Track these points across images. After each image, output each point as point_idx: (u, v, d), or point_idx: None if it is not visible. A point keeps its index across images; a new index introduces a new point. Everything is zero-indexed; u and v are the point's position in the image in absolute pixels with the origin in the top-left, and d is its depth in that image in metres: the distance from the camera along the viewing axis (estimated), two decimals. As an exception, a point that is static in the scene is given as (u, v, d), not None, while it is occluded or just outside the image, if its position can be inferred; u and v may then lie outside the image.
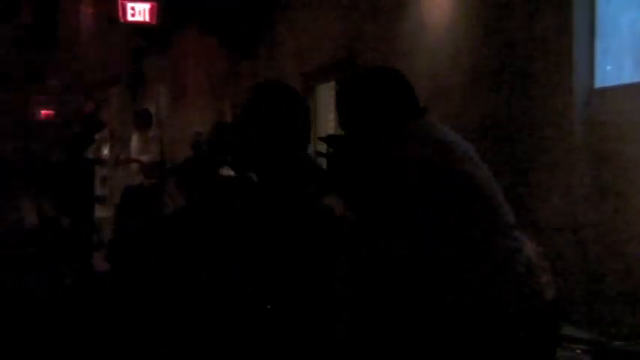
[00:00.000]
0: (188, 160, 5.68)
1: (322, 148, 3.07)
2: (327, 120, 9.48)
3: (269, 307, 2.49)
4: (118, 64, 17.92)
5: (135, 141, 12.41)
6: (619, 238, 4.84)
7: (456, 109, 6.45)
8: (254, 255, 2.53)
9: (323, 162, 3.06)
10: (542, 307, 2.81)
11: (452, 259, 2.74)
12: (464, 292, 2.73)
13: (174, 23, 13.31)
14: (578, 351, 3.90)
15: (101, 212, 12.08)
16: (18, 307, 4.99)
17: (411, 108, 2.94)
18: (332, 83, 9.24)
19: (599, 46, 5.26)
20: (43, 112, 22.10)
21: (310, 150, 2.77)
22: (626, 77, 5.10)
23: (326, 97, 9.59)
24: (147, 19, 12.82)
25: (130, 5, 12.68)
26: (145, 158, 11.76)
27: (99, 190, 12.79)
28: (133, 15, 12.73)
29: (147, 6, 12.73)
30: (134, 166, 12.12)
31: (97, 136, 11.85)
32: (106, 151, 19.23)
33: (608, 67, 5.24)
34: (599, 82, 5.24)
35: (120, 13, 12.74)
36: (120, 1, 12.70)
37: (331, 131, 8.68)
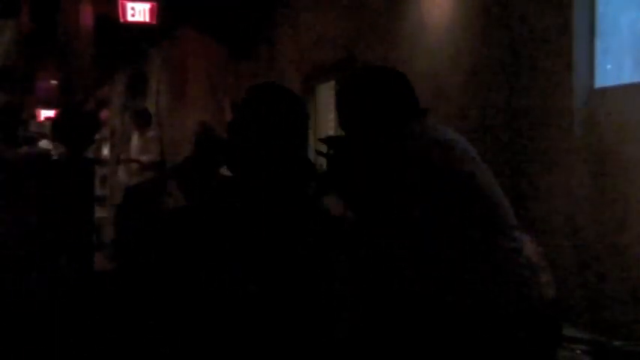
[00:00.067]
0: (188, 160, 5.67)
1: (322, 148, 3.07)
2: (327, 120, 9.48)
3: (267, 302, 2.49)
4: (117, 64, 17.92)
5: (135, 141, 12.42)
6: (619, 238, 4.84)
7: (455, 109, 6.45)
8: (254, 255, 2.53)
9: (323, 162, 3.06)
10: (542, 307, 2.82)
11: (452, 259, 2.74)
12: (464, 292, 2.73)
13: (174, 23, 13.30)
14: (578, 351, 3.90)
15: (101, 212, 12.08)
16: (18, 307, 4.99)
17: (411, 108, 2.94)
18: (332, 83, 9.23)
19: (599, 45, 5.26)
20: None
21: (309, 151, 2.77)
22: (626, 77, 5.10)
23: (326, 97, 9.59)
24: (147, 19, 12.81)
25: (130, 5, 12.67)
26: (144, 158, 11.76)
27: (99, 190, 12.79)
28: (133, 15, 12.72)
29: (147, 6, 12.72)
30: (134, 166, 12.13)
31: (97, 136, 11.86)
32: (106, 151, 19.25)
33: (609, 66, 5.25)
34: (599, 82, 5.24)
35: (120, 13, 12.74)
36: (120, 1, 12.69)
37: (331, 131, 8.68)
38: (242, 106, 2.68)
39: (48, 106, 21.72)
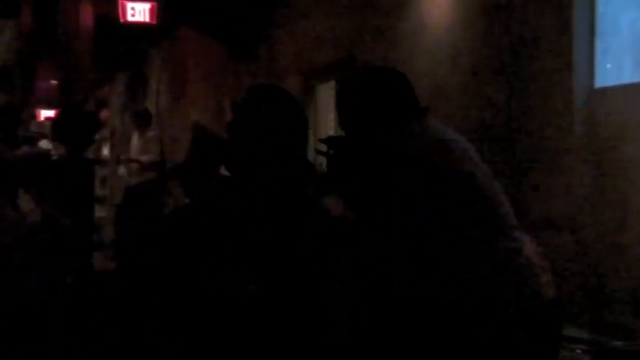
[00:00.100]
0: (188, 160, 5.67)
1: (322, 148, 3.07)
2: (327, 120, 9.48)
3: (264, 298, 2.49)
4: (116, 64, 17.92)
5: (135, 141, 12.42)
6: (619, 238, 4.84)
7: (456, 109, 6.45)
8: (254, 255, 2.53)
9: (323, 162, 3.06)
10: (543, 307, 2.82)
11: (452, 259, 2.74)
12: (464, 292, 2.73)
13: (174, 23, 13.30)
14: (578, 351, 3.91)
15: (101, 212, 12.08)
16: (18, 307, 4.98)
17: (411, 108, 2.94)
18: (332, 83, 9.23)
19: (599, 45, 5.26)
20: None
21: (309, 151, 2.77)
22: (626, 77, 5.10)
23: (326, 97, 9.59)
24: (147, 19, 12.81)
25: (130, 5, 12.67)
26: (144, 158, 11.76)
27: (99, 190, 12.79)
28: (133, 15, 12.72)
29: (147, 6, 12.72)
30: (134, 166, 12.13)
31: (97, 136, 11.86)
32: (106, 151, 19.26)
33: (608, 65, 5.25)
34: (599, 82, 5.24)
35: (120, 13, 12.74)
36: (120, 1, 12.69)
37: (331, 131, 8.68)
38: (241, 107, 2.68)
39: (48, 106, 21.72)
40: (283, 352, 2.50)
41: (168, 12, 12.68)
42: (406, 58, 7.26)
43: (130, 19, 12.77)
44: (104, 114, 19.61)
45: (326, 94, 9.60)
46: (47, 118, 19.99)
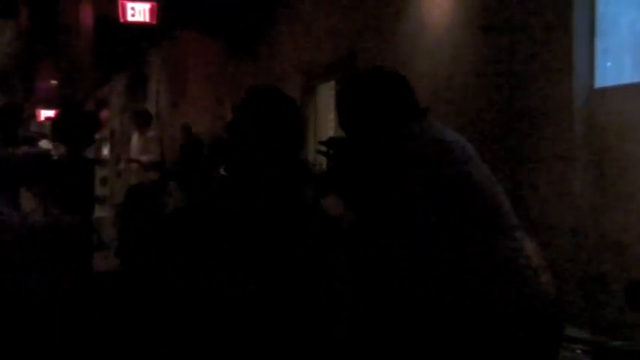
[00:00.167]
0: (188, 160, 5.68)
1: (323, 148, 3.08)
2: (327, 120, 9.48)
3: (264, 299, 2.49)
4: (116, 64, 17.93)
5: (135, 141, 12.42)
6: (619, 238, 4.84)
7: (456, 109, 6.45)
8: (254, 255, 2.53)
9: (323, 162, 3.06)
10: (543, 307, 2.81)
11: (452, 259, 2.74)
12: (464, 292, 2.73)
13: (174, 23, 13.31)
14: (578, 351, 3.91)
15: (101, 212, 12.08)
16: (18, 307, 4.98)
17: (411, 109, 2.94)
18: (332, 83, 9.23)
19: (599, 45, 5.26)
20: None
21: (309, 151, 2.78)
22: (626, 77, 5.10)
23: (326, 97, 9.59)
24: (147, 19, 12.82)
25: (130, 5, 12.68)
26: (144, 158, 11.76)
27: (99, 190, 12.79)
28: (133, 15, 12.73)
29: (147, 6, 12.73)
30: (134, 166, 12.13)
31: (97, 136, 11.86)
32: (106, 151, 19.27)
33: (608, 64, 5.25)
34: (599, 82, 5.24)
35: (120, 13, 12.75)
36: (120, 1, 12.70)
37: (331, 131, 8.69)
38: (241, 108, 2.68)
39: (48, 106, 21.73)
40: (283, 353, 2.50)
41: (168, 12, 12.69)
42: (406, 58, 7.26)
43: (130, 19, 12.78)
44: (104, 114, 19.62)
45: (326, 94, 9.60)
46: (47, 118, 20.00)
